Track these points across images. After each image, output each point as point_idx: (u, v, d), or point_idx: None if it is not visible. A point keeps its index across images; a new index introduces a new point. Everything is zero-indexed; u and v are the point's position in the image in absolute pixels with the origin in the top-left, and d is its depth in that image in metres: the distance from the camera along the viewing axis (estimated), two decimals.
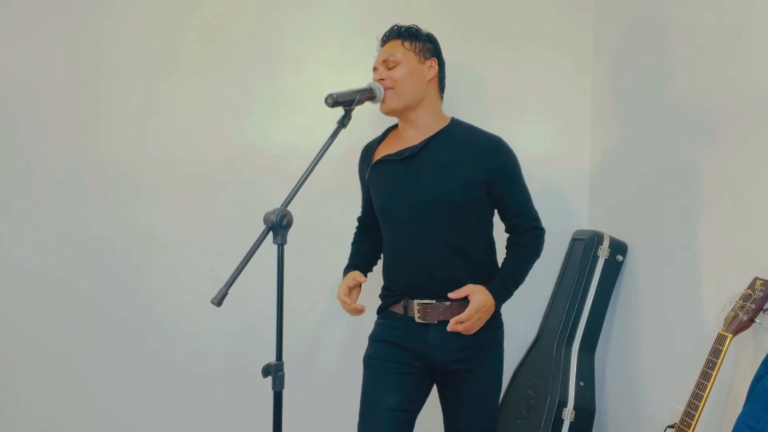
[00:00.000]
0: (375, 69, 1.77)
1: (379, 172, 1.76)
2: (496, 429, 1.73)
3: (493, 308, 1.65)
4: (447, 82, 1.89)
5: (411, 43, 1.74)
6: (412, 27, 1.77)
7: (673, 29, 1.89)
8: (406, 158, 1.70)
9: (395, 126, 1.85)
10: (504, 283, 1.69)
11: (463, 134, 1.74)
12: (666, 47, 1.93)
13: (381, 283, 1.81)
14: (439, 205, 1.65)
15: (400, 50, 1.73)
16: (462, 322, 1.60)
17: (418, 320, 1.67)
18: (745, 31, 1.58)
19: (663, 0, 1.95)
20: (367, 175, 1.80)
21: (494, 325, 1.71)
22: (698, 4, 1.77)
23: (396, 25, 1.79)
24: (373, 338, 1.78)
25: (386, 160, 1.74)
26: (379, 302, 1.81)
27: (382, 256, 1.83)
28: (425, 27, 1.74)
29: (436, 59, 1.76)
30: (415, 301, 1.67)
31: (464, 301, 1.64)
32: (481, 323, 1.63)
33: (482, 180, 1.67)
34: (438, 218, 1.65)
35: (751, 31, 1.56)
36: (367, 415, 1.69)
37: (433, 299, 1.67)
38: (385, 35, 1.79)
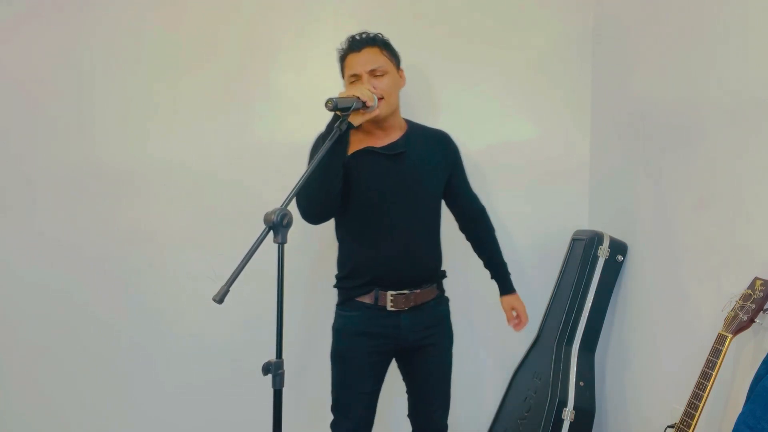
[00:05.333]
0: (355, 77, 1.73)
1: (366, 162, 1.74)
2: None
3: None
4: (448, 80, 1.90)
5: (388, 52, 1.78)
6: (380, 34, 1.79)
7: (673, 29, 1.90)
8: (398, 154, 1.76)
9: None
10: (509, 275, 2.03)
11: (422, 132, 1.88)
12: (667, 47, 1.93)
13: (330, 275, 1.85)
14: (425, 198, 1.81)
15: (382, 59, 1.75)
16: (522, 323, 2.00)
17: (390, 308, 1.75)
18: (745, 32, 1.58)
19: (663, 0, 1.95)
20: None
21: (445, 301, 1.91)
22: (699, 5, 1.77)
23: (364, 32, 1.78)
24: (345, 331, 1.81)
25: (375, 152, 1.75)
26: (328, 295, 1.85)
27: (344, 249, 1.84)
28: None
29: (402, 69, 1.83)
30: (388, 292, 1.75)
31: (430, 287, 1.82)
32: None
33: (447, 173, 1.88)
34: (421, 209, 1.80)
35: (750, 32, 1.56)
36: (344, 399, 1.81)
37: (406, 288, 1.76)
38: (357, 41, 1.76)
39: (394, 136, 1.80)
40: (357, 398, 1.80)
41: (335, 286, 1.86)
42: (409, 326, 1.78)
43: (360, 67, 1.73)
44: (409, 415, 1.93)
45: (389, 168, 1.76)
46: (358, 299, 1.79)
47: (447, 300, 1.92)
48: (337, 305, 1.85)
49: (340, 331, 1.83)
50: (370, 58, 1.74)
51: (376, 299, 1.76)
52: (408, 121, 1.88)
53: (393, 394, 1.97)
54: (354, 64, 1.74)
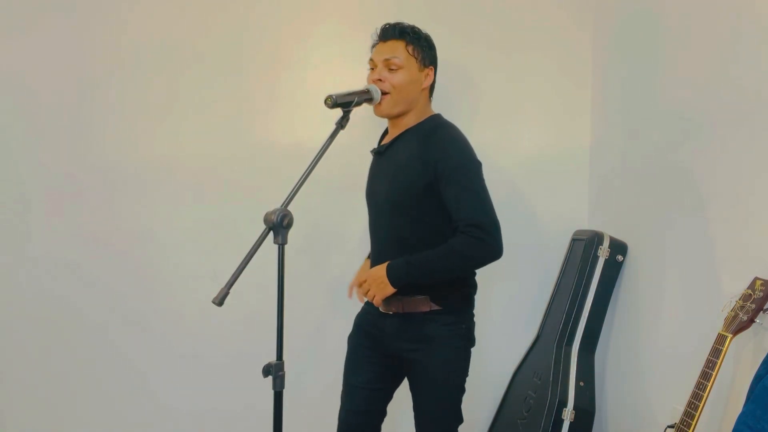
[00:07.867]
0: (372, 64, 1.73)
1: (371, 161, 1.84)
2: (454, 415, 1.71)
3: (383, 279, 1.60)
4: (447, 80, 1.88)
5: (414, 49, 1.70)
6: (415, 29, 1.74)
7: (673, 29, 1.90)
8: (380, 153, 1.79)
9: None
10: (406, 263, 1.60)
11: (421, 128, 1.70)
12: (666, 47, 1.93)
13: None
14: (387, 203, 1.72)
15: (403, 54, 1.69)
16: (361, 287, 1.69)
17: (381, 310, 1.73)
18: (744, 32, 1.58)
19: (663, 0, 1.95)
20: None
21: (444, 321, 1.67)
22: (699, 5, 1.77)
23: (399, 23, 1.74)
24: (355, 320, 1.87)
25: (374, 151, 1.83)
26: None
27: None
28: (425, 28, 1.72)
29: (433, 68, 1.76)
30: None
31: (421, 298, 1.63)
32: (378, 292, 1.62)
33: (425, 173, 1.61)
34: (387, 214, 1.72)
35: (750, 31, 1.56)
36: (344, 389, 1.83)
37: None
38: (386, 31, 1.73)
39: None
40: (349, 387, 1.81)
41: None
42: (392, 333, 1.69)
43: (377, 56, 1.73)
44: None
45: (375, 165, 1.82)
46: None
47: (449, 321, 1.67)
48: None
49: (354, 321, 1.88)
50: (389, 49, 1.71)
51: None
52: (431, 119, 1.73)
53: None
54: (375, 52, 1.75)
